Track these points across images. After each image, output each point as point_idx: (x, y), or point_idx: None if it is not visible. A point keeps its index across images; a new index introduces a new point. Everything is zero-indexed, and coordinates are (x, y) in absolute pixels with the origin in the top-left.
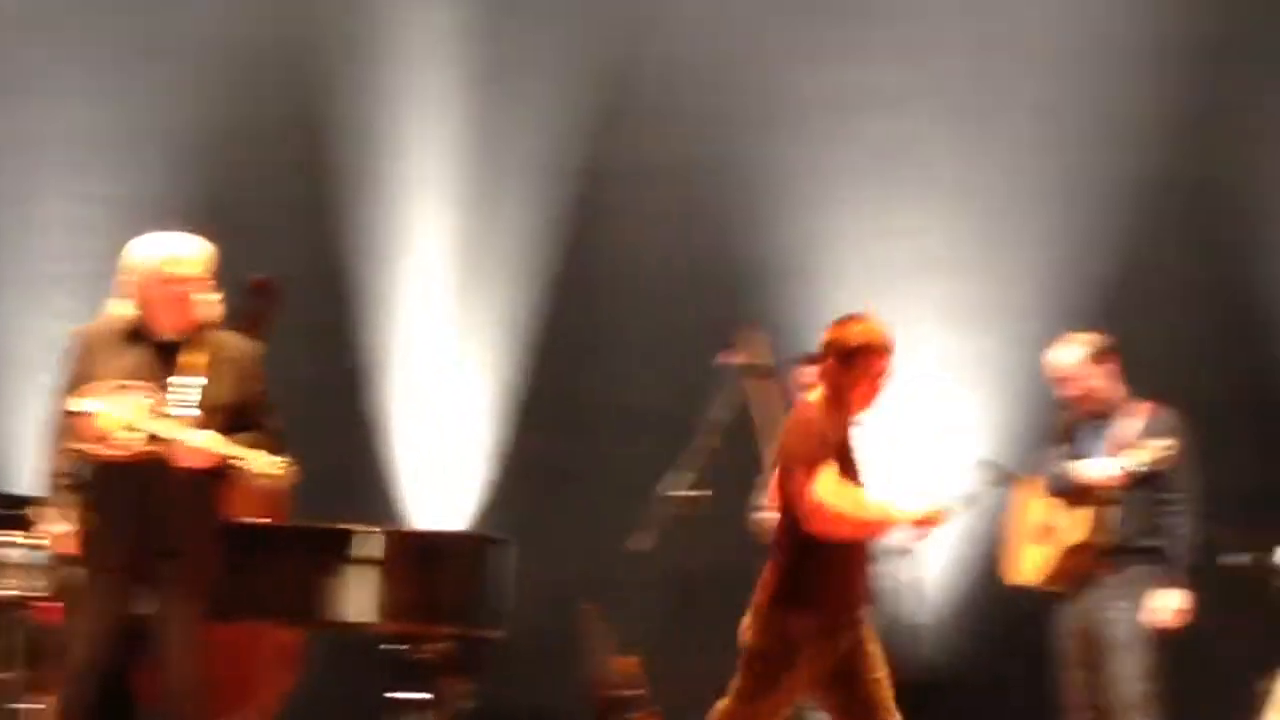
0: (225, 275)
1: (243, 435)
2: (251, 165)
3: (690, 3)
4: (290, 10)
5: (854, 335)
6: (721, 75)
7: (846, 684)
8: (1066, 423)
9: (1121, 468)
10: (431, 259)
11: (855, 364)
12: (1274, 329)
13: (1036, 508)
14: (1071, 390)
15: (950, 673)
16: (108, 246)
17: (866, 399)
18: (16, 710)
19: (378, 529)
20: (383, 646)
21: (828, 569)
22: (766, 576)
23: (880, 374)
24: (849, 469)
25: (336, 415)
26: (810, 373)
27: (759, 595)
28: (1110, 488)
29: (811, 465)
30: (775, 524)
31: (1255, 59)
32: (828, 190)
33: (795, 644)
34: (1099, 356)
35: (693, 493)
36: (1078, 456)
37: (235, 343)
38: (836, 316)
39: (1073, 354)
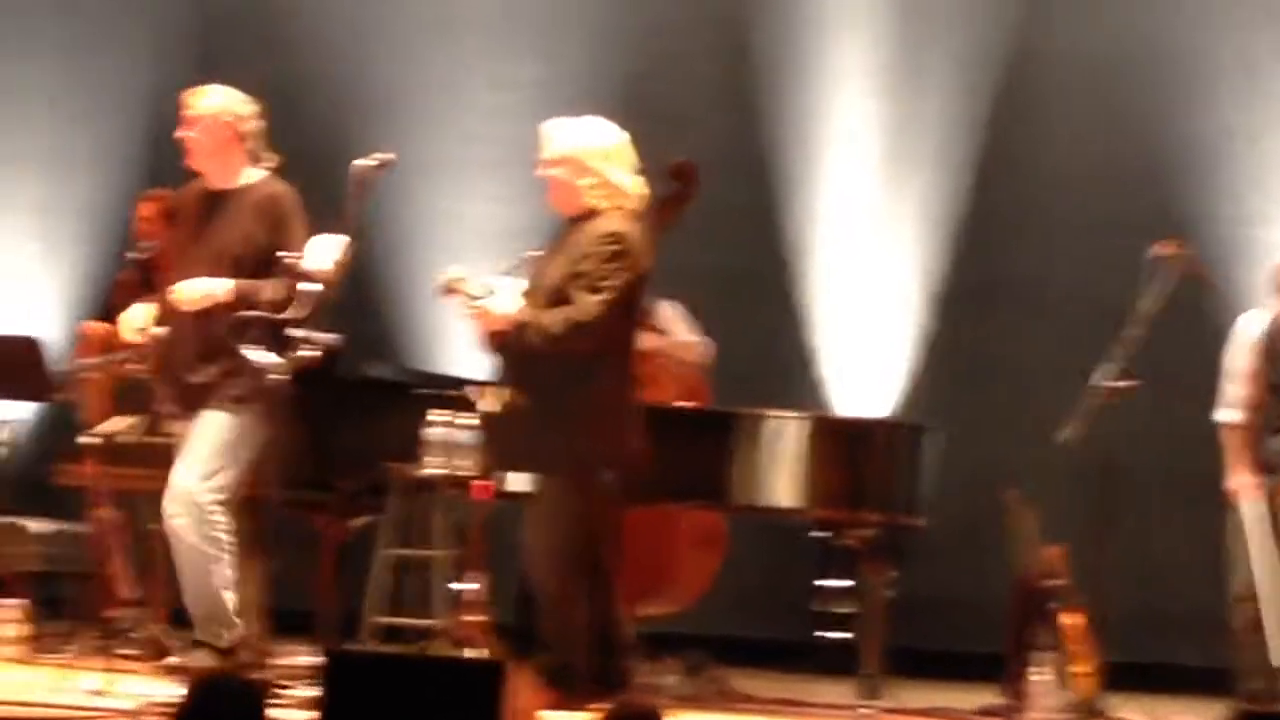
0: (644, 160)
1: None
2: (670, 52)
3: None
4: None
5: None
6: None
7: None
8: None
9: None
10: (854, 147)
11: None
12: None
13: None
14: None
15: None
16: (528, 132)
17: None
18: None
19: (804, 414)
20: (808, 534)
21: None
22: None
23: None
24: None
25: (757, 302)
26: None
27: None
28: None
29: None
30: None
31: None
32: (1256, 82)
33: None
34: None
35: (1120, 383)
36: None
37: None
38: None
39: None
